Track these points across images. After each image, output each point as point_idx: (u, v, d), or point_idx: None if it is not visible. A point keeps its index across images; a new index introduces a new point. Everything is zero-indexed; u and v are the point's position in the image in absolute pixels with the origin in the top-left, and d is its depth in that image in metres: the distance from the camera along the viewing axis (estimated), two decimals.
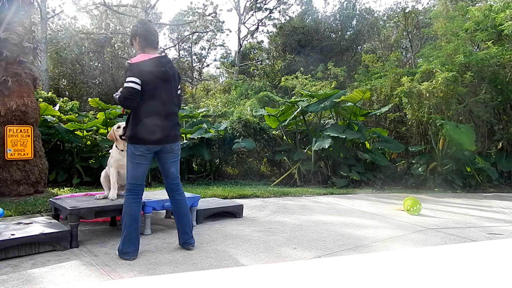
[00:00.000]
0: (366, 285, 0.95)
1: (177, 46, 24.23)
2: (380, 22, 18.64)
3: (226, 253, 2.76)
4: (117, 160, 3.32)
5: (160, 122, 2.68)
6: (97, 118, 8.06)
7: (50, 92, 10.32)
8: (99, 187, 6.91)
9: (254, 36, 22.26)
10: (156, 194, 3.73)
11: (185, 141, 8.49)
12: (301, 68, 12.50)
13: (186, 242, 2.83)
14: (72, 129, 7.63)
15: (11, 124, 5.01)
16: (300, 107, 7.89)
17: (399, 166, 8.77)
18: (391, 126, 9.52)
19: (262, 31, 22.20)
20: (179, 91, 2.91)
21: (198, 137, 8.18)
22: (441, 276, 1.02)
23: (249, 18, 21.91)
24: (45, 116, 7.13)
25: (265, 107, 9.24)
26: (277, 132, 9.28)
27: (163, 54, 2.99)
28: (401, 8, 16.22)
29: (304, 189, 6.92)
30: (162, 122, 2.69)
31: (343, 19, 18.71)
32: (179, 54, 24.62)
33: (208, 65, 28.80)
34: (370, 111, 8.59)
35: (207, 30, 23.45)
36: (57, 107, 8.05)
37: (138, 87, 2.58)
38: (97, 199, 3.36)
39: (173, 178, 2.89)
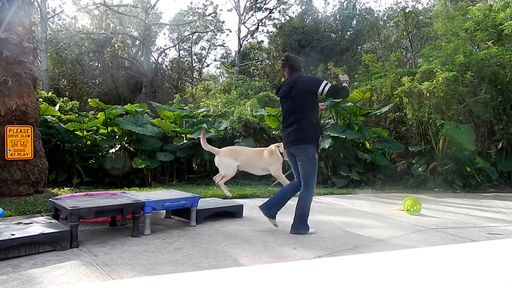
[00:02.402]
0: (366, 285, 0.95)
1: (177, 46, 24.23)
2: (380, 22, 18.64)
3: (226, 253, 2.76)
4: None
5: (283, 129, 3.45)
6: (97, 118, 8.06)
7: (50, 92, 10.32)
8: (99, 187, 6.91)
9: (254, 36, 22.28)
10: (156, 194, 3.73)
11: (185, 141, 8.49)
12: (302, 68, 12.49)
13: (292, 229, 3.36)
14: (72, 129, 7.63)
15: (11, 124, 5.01)
16: None
17: (399, 166, 8.76)
18: (391, 126, 9.51)
19: (262, 31, 22.22)
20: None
21: (198, 137, 8.17)
22: (441, 276, 1.02)
23: (249, 18, 21.93)
24: (45, 116, 7.13)
25: (265, 107, 9.23)
26: (277, 132, 9.27)
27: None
28: (401, 8, 16.23)
29: None
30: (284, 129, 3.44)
31: (343, 19, 18.71)
32: (179, 54, 24.63)
33: (208, 65, 28.77)
34: (370, 111, 8.59)
35: (207, 30, 23.45)
36: (57, 107, 8.06)
37: None
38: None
39: (301, 177, 3.39)
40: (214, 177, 4.32)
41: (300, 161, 3.34)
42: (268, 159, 3.86)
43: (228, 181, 8.24)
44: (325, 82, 3.29)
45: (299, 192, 3.47)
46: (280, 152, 3.80)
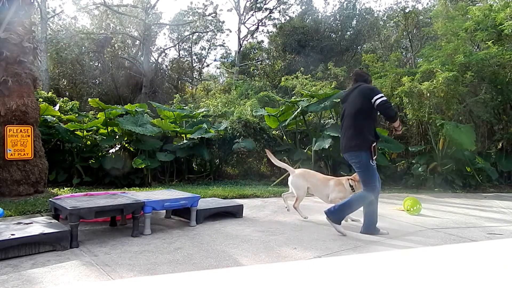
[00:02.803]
0: (366, 285, 0.95)
1: (177, 46, 24.21)
2: (380, 22, 18.63)
3: (226, 253, 2.76)
4: None
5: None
6: (97, 118, 8.06)
7: (50, 92, 10.32)
8: (99, 187, 6.91)
9: (254, 36, 22.26)
10: (156, 194, 3.73)
11: (185, 141, 8.49)
12: (301, 68, 12.48)
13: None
14: (72, 129, 7.63)
15: (11, 124, 5.01)
16: (300, 107, 7.89)
17: (399, 166, 8.76)
18: (391, 126, 9.51)
19: (262, 31, 22.20)
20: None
21: (198, 137, 8.17)
22: (441, 276, 1.02)
23: (249, 18, 21.92)
24: (45, 116, 7.13)
25: (265, 107, 9.23)
26: (277, 132, 9.28)
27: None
28: (401, 8, 16.22)
29: None
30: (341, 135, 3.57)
31: (343, 19, 18.70)
32: (179, 54, 24.62)
33: (208, 65, 28.74)
34: None
35: (207, 30, 23.44)
36: (57, 107, 8.05)
37: None
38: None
39: (361, 183, 3.45)
40: (283, 195, 4.46)
41: (355, 167, 3.44)
42: (332, 188, 3.91)
43: (228, 181, 8.29)
44: (381, 95, 3.32)
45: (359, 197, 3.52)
46: (350, 185, 3.83)
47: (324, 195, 4.01)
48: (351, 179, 3.88)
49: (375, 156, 3.37)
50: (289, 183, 4.22)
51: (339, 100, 7.81)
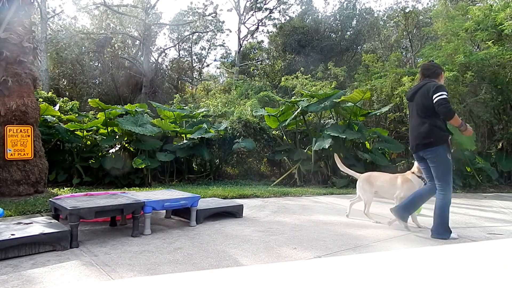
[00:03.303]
0: (366, 285, 0.95)
1: (177, 46, 24.22)
2: (380, 22, 18.64)
3: (226, 253, 2.76)
4: None
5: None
6: (97, 118, 8.07)
7: (50, 92, 10.32)
8: (99, 187, 6.92)
9: (254, 36, 22.27)
10: (156, 194, 3.73)
11: (185, 141, 8.49)
12: (301, 68, 12.49)
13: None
14: (72, 129, 7.63)
15: (11, 124, 5.01)
16: (300, 107, 7.89)
17: (399, 166, 8.76)
18: (391, 126, 9.51)
19: (262, 31, 22.21)
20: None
21: (198, 137, 8.18)
22: (440, 276, 1.01)
23: (249, 18, 21.92)
24: (45, 116, 7.13)
25: (265, 107, 9.23)
26: (277, 132, 9.28)
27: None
28: (401, 8, 16.23)
29: (304, 189, 6.91)
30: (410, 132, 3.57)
31: (343, 19, 18.71)
32: (179, 54, 24.62)
33: (208, 65, 28.76)
34: (370, 111, 8.59)
35: (207, 30, 23.44)
36: (57, 107, 8.06)
37: None
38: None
39: (436, 180, 3.40)
40: (350, 201, 4.39)
41: (431, 163, 3.38)
42: (400, 186, 3.86)
43: (228, 181, 8.29)
44: (440, 93, 3.26)
45: (430, 194, 3.53)
46: (418, 176, 3.76)
47: (393, 195, 3.94)
48: (414, 172, 3.82)
49: (452, 150, 3.40)
50: (357, 187, 4.18)
51: (339, 100, 7.82)
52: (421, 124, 3.40)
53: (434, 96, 3.28)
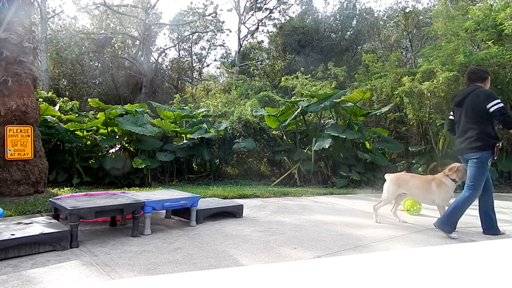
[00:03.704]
0: (366, 285, 0.95)
1: (177, 46, 24.21)
2: (380, 22, 18.63)
3: (226, 253, 2.76)
4: None
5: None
6: (97, 118, 8.06)
7: (50, 92, 10.32)
8: (99, 187, 6.92)
9: (254, 36, 22.26)
10: (156, 194, 3.73)
11: (185, 141, 8.49)
12: (301, 68, 12.50)
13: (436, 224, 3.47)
14: (72, 129, 7.63)
15: (11, 124, 5.01)
16: (300, 107, 7.89)
17: (399, 166, 8.76)
18: (391, 126, 9.51)
19: (262, 31, 22.21)
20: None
21: (198, 137, 8.18)
22: (440, 276, 1.01)
23: (249, 18, 21.92)
24: (45, 116, 7.13)
25: (265, 107, 9.23)
26: (277, 132, 9.28)
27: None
28: (401, 8, 16.23)
29: (304, 189, 6.91)
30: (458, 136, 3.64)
31: (343, 19, 18.70)
32: (179, 54, 24.62)
33: (208, 65, 28.75)
34: (370, 111, 8.59)
35: (207, 30, 23.43)
36: (57, 107, 8.06)
37: None
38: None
39: (468, 179, 3.51)
40: (391, 210, 4.32)
41: (471, 164, 3.45)
42: (436, 191, 3.79)
43: (228, 181, 8.29)
44: (496, 101, 3.33)
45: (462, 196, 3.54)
46: (452, 179, 3.73)
47: (429, 200, 3.87)
48: (448, 174, 3.75)
49: (496, 157, 3.45)
50: (384, 186, 4.13)
51: (339, 100, 7.82)
52: (471, 129, 3.47)
53: (491, 105, 3.33)
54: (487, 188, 3.55)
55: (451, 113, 3.79)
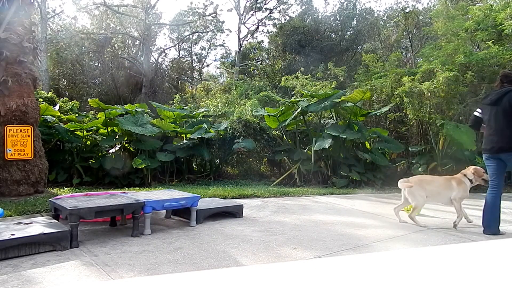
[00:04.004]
0: (366, 285, 0.95)
1: (177, 46, 24.20)
2: (380, 22, 18.63)
3: (226, 253, 2.76)
4: None
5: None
6: (97, 118, 8.06)
7: (50, 92, 10.32)
8: (99, 187, 6.91)
9: (254, 36, 22.25)
10: (156, 194, 3.73)
11: (185, 141, 8.49)
12: (301, 68, 12.50)
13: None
14: (72, 129, 7.63)
15: (11, 124, 5.01)
16: (300, 107, 7.89)
17: (399, 166, 8.77)
18: (391, 126, 9.51)
19: (262, 31, 22.19)
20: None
21: (198, 137, 8.17)
22: (440, 276, 1.01)
23: (249, 18, 21.90)
24: (45, 116, 7.13)
25: (265, 107, 9.23)
26: (277, 132, 9.28)
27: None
28: (401, 8, 16.22)
29: (304, 189, 6.92)
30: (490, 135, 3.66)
31: (343, 19, 18.70)
32: (179, 54, 24.61)
33: (208, 65, 28.72)
34: (370, 111, 8.59)
35: (207, 30, 23.43)
36: (57, 107, 8.05)
37: None
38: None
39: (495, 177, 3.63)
40: (394, 208, 4.28)
41: (509, 162, 3.53)
42: (456, 188, 3.91)
43: (228, 181, 8.29)
44: None
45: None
46: (469, 179, 3.89)
47: (447, 198, 3.95)
48: (466, 174, 3.91)
49: None
50: (406, 193, 4.10)
51: (339, 100, 7.82)
52: (505, 129, 3.52)
53: None
54: (500, 187, 3.63)
55: (478, 110, 3.83)
